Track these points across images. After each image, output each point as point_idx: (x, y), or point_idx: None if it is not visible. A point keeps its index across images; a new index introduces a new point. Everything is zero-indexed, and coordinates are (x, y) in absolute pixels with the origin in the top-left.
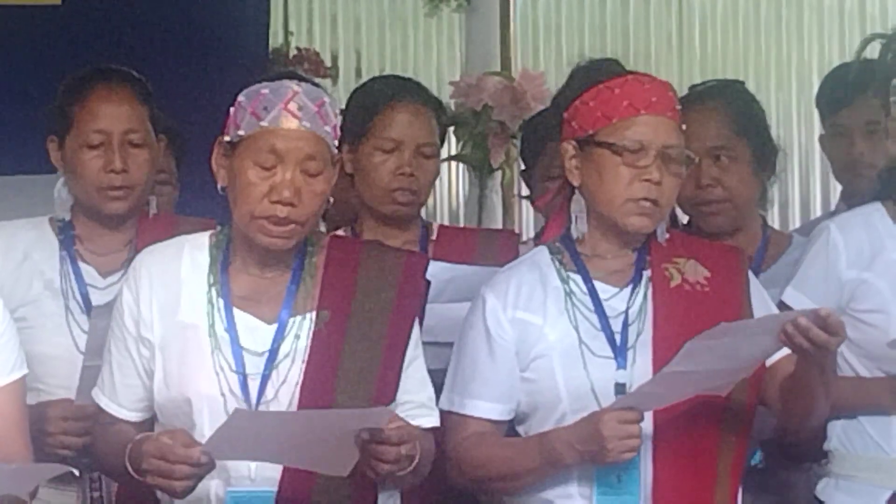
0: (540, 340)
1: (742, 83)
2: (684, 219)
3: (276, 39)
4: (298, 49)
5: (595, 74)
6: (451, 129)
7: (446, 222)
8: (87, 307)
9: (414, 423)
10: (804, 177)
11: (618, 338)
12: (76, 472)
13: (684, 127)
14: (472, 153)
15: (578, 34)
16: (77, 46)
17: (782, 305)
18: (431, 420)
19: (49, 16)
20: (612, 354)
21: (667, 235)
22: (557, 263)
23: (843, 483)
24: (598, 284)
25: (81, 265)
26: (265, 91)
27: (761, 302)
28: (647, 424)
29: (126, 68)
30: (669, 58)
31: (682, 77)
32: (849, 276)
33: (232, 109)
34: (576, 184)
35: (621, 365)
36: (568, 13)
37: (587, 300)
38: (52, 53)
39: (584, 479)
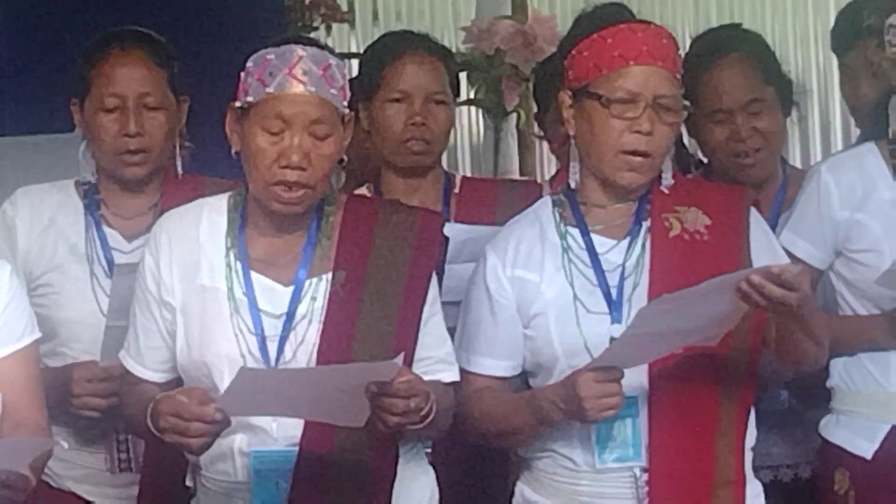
0: (537, 298)
1: (745, 29)
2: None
3: None
4: None
5: (598, 21)
6: (465, 74)
7: (467, 168)
8: (113, 272)
9: (434, 377)
10: (824, 113)
11: (614, 292)
12: (65, 445)
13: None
14: (485, 97)
15: None
16: (89, 3)
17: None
18: (451, 374)
19: None
20: (606, 309)
21: (671, 181)
22: (557, 217)
23: (843, 419)
24: (595, 238)
25: (106, 229)
26: (271, 56)
27: (764, 245)
28: (643, 377)
29: (145, 29)
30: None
31: (698, 24)
32: (842, 216)
33: (242, 74)
34: (571, 133)
35: (616, 319)
36: None
37: (584, 255)
38: (64, 9)
39: (585, 431)
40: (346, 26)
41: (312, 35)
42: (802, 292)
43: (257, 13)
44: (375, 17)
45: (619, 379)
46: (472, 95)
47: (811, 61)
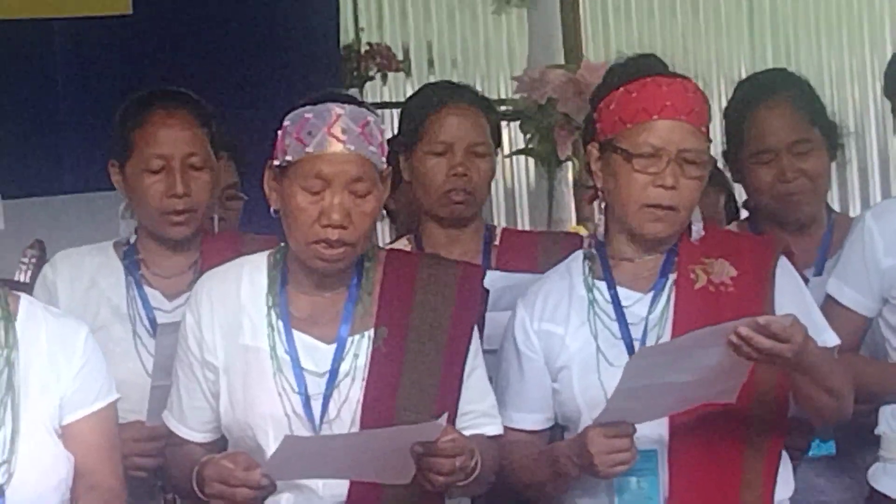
0: (563, 351)
1: (790, 72)
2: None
3: (346, 36)
4: (370, 44)
5: (630, 73)
6: (517, 123)
7: (525, 218)
8: (155, 331)
9: (477, 431)
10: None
11: (636, 345)
12: None
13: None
14: (538, 147)
15: (648, 20)
16: (148, 55)
17: (827, 297)
18: (494, 428)
19: (120, 26)
20: None
21: (702, 234)
22: (587, 270)
23: (890, 467)
24: (622, 291)
25: (147, 289)
26: (309, 115)
27: (792, 294)
28: (664, 431)
29: (184, 90)
30: (741, 38)
31: (754, 61)
32: (887, 263)
33: (279, 133)
34: (598, 186)
35: None
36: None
37: (609, 308)
38: (124, 64)
39: (608, 485)
40: (401, 75)
41: (368, 84)
42: (795, 344)
43: (313, 63)
44: (431, 65)
45: (630, 434)
46: (524, 145)
47: (868, 100)
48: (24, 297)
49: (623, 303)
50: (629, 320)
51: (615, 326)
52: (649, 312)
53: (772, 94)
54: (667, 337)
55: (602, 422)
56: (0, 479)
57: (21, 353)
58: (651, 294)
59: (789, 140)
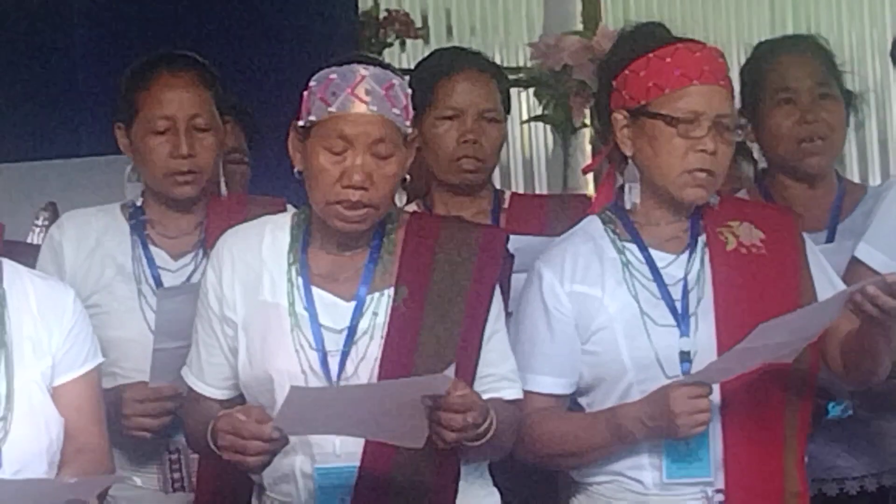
0: (600, 312)
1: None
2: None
3: (365, 2)
4: (388, 11)
5: (642, 40)
6: (532, 90)
7: (539, 184)
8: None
9: (496, 394)
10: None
11: (678, 305)
12: (138, 481)
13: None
14: (553, 114)
15: None
16: (166, 20)
17: (855, 261)
18: (514, 392)
19: None
20: (674, 322)
21: (718, 199)
22: (611, 233)
23: None
24: (653, 252)
25: (153, 249)
26: (333, 76)
27: (816, 262)
28: (715, 393)
29: (189, 53)
30: (761, 8)
31: (774, 32)
32: None
33: (304, 94)
34: (628, 154)
35: (684, 332)
36: None
37: (644, 269)
38: (142, 28)
39: (654, 450)
40: (420, 42)
41: (386, 51)
42: None
43: (331, 30)
44: (450, 32)
45: (709, 395)
46: (541, 112)
47: (889, 71)
48: (5, 260)
49: (657, 264)
50: (666, 281)
51: (653, 287)
52: (687, 273)
53: (794, 45)
54: (708, 298)
55: (690, 381)
56: None
57: (10, 311)
58: (685, 255)
59: (811, 82)
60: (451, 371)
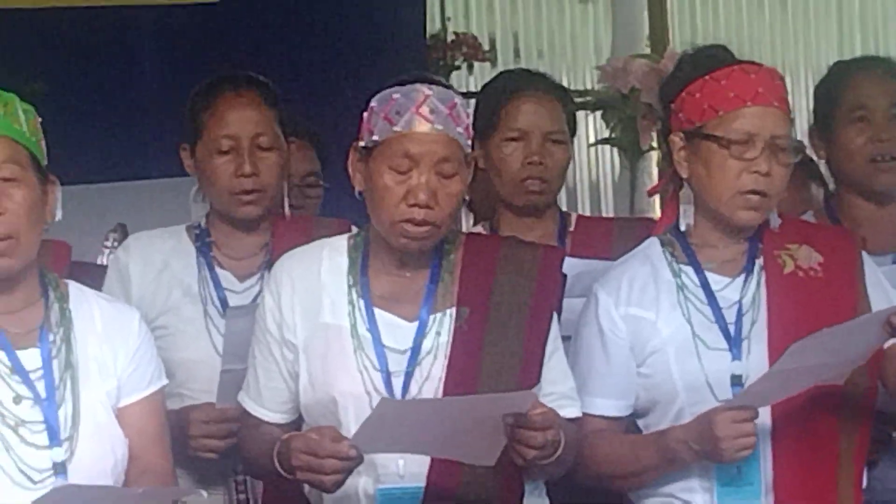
0: (654, 335)
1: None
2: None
3: (433, 25)
4: (456, 34)
5: (702, 63)
6: (599, 113)
7: (605, 207)
8: (226, 311)
9: (558, 413)
10: None
11: (732, 329)
12: (204, 494)
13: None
14: (621, 136)
15: (735, 11)
16: (234, 43)
17: None
18: (574, 410)
19: (206, 14)
20: (726, 346)
21: (779, 221)
22: (669, 256)
23: None
24: (709, 275)
25: (219, 270)
26: (397, 95)
27: (876, 285)
28: (766, 416)
29: (253, 74)
30: (829, 31)
31: (842, 54)
32: None
33: (365, 114)
34: (684, 175)
35: (736, 356)
36: None
37: (699, 292)
38: (209, 52)
39: (705, 473)
40: (487, 65)
41: (454, 74)
42: None
43: (399, 53)
44: (517, 55)
45: (755, 419)
46: (608, 135)
47: None
48: (71, 282)
49: (713, 287)
50: (721, 304)
51: (708, 310)
52: (742, 297)
53: (870, 65)
54: (762, 321)
55: (733, 405)
56: (62, 456)
57: (76, 332)
58: (741, 278)
59: (886, 102)
60: (536, 389)
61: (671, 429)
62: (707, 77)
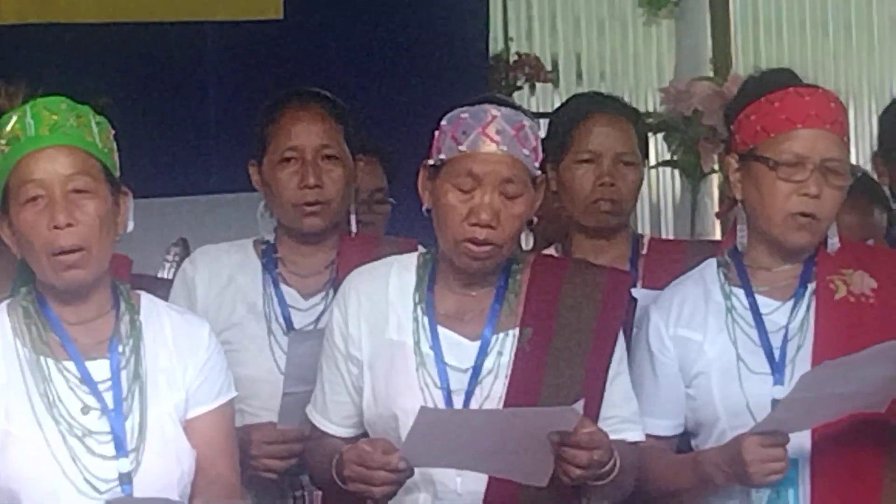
0: (700, 357)
1: None
2: None
3: (496, 46)
4: (518, 55)
5: (766, 86)
6: (661, 135)
7: (666, 229)
8: (290, 329)
9: (619, 436)
10: None
11: (777, 353)
12: None
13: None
14: (683, 159)
15: (800, 35)
16: (298, 60)
17: None
18: (636, 434)
19: (271, 30)
20: (769, 370)
21: (838, 245)
22: (722, 277)
23: None
24: (760, 298)
25: (284, 288)
26: (465, 115)
27: None
28: (806, 442)
29: (320, 89)
30: (893, 56)
31: None
32: None
33: (436, 133)
34: (738, 197)
35: (778, 381)
36: (788, 11)
37: (747, 315)
38: (274, 68)
39: (745, 497)
40: (549, 86)
41: (516, 94)
42: None
43: (462, 73)
44: (579, 76)
45: (785, 444)
46: (670, 157)
47: None
48: (143, 293)
49: (762, 310)
50: (768, 328)
51: (754, 334)
52: (789, 321)
53: None
54: (807, 347)
55: (760, 430)
56: (128, 467)
57: (146, 344)
58: (791, 303)
59: None
60: (579, 406)
61: (706, 451)
62: (763, 99)
